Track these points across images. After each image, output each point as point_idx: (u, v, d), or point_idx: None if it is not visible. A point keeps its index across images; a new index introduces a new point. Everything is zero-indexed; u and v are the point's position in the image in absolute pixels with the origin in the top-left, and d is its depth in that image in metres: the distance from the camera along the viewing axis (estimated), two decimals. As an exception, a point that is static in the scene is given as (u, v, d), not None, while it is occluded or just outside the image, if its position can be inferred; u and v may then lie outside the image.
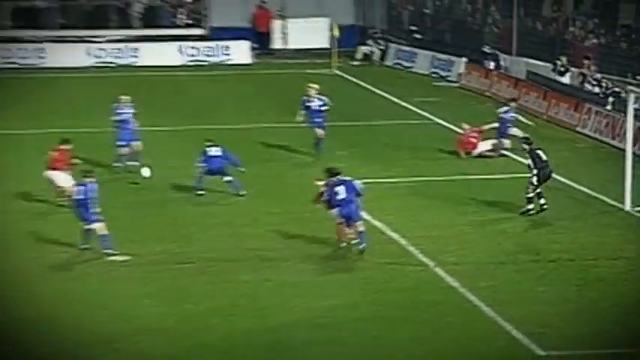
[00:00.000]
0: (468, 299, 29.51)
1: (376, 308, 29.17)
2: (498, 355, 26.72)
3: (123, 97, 40.90)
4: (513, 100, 44.94)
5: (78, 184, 32.61)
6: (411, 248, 33.17)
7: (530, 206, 35.10)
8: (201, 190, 37.99)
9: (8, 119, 48.54)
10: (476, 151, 42.19)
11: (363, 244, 32.93)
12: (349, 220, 32.74)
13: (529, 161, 35.39)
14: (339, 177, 33.55)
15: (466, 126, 42.20)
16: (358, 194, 33.14)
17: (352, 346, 27.07)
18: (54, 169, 36.52)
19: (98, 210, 32.41)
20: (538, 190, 35.20)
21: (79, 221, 32.47)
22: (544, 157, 35.49)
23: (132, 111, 40.61)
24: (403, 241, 33.73)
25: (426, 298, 29.72)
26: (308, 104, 42.08)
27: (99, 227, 31.86)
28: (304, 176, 39.81)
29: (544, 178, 35.26)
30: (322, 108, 42.26)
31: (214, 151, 37.66)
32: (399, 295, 29.96)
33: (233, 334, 27.65)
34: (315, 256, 33.01)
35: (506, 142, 42.54)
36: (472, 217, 36.06)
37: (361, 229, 33.05)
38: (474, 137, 41.92)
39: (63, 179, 36.18)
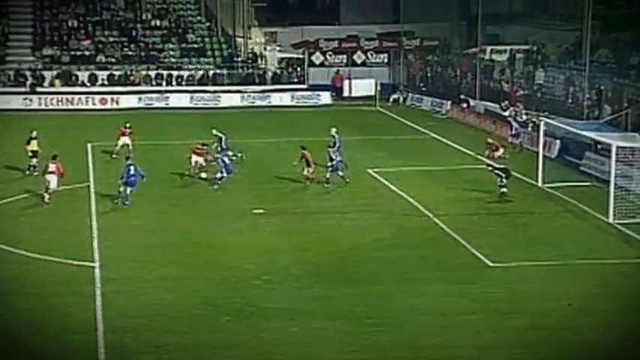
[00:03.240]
0: (450, 234, 30.18)
1: (400, 239, 29.75)
2: (466, 263, 27.21)
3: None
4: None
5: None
6: (419, 206, 33.49)
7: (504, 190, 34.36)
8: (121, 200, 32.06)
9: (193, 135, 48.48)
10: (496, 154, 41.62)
11: (327, 185, 35.28)
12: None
13: (500, 173, 34.99)
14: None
15: (490, 140, 41.76)
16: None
17: (387, 260, 27.39)
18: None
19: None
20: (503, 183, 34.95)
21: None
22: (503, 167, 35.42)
23: None
24: (415, 202, 34.05)
25: (427, 234, 30.44)
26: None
27: None
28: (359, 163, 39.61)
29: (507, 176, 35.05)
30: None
31: (132, 170, 32.19)
32: (412, 232, 30.56)
33: (320, 254, 28.02)
34: (365, 210, 32.89)
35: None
36: (455, 190, 35.94)
37: (328, 175, 35.45)
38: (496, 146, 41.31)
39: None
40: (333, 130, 39.43)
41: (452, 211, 32.71)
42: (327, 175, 35.84)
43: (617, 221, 30.98)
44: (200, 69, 62.28)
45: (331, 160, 35.93)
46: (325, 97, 61.21)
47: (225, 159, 35.85)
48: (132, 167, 32.49)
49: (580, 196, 34.39)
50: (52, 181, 33.02)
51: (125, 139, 41.65)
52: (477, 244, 28.46)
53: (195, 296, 23.83)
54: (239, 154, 38.10)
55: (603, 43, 50.59)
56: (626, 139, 34.74)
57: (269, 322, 22.29)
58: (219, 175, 35.44)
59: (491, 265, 26.65)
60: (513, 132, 44.98)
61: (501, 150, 41.09)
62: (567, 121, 40.72)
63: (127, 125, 42.27)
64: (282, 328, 21.91)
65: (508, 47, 58.90)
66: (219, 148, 38.08)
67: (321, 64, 65.36)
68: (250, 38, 66.13)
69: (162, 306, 23.17)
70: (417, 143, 46.80)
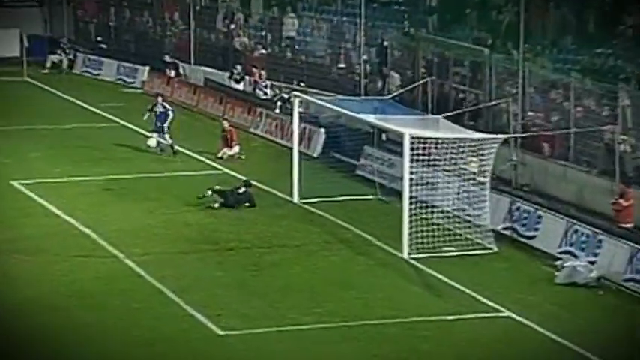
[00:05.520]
0: (154, 286, 29.99)
1: (79, 298, 29.37)
2: (182, 336, 26.98)
3: None
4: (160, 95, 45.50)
5: None
6: (103, 242, 33.38)
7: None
8: None
9: None
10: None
11: None
12: None
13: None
14: None
15: (226, 125, 42.21)
16: None
17: (64, 331, 27.36)
18: None
19: None
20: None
21: None
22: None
23: None
24: (95, 236, 33.92)
25: (117, 286, 30.03)
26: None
27: None
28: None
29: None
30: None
31: None
32: (91, 284, 30.19)
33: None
34: (11, 250, 33.04)
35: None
36: (158, 211, 36.47)
37: None
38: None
39: None
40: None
41: (155, 247, 32.86)
42: None
43: (413, 256, 31.90)
44: None
45: None
46: None
47: None
48: None
49: (357, 218, 35.38)
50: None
51: None
52: (195, 299, 28.55)
53: None
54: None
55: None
56: (427, 126, 35.98)
57: None
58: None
59: (222, 333, 26.99)
60: (157, 125, 44.46)
61: (237, 147, 41.43)
62: (336, 99, 41.60)
63: None
64: None
65: (239, -23, 59.83)
66: None
67: None
68: None
69: None
70: (93, 136, 46.98)
